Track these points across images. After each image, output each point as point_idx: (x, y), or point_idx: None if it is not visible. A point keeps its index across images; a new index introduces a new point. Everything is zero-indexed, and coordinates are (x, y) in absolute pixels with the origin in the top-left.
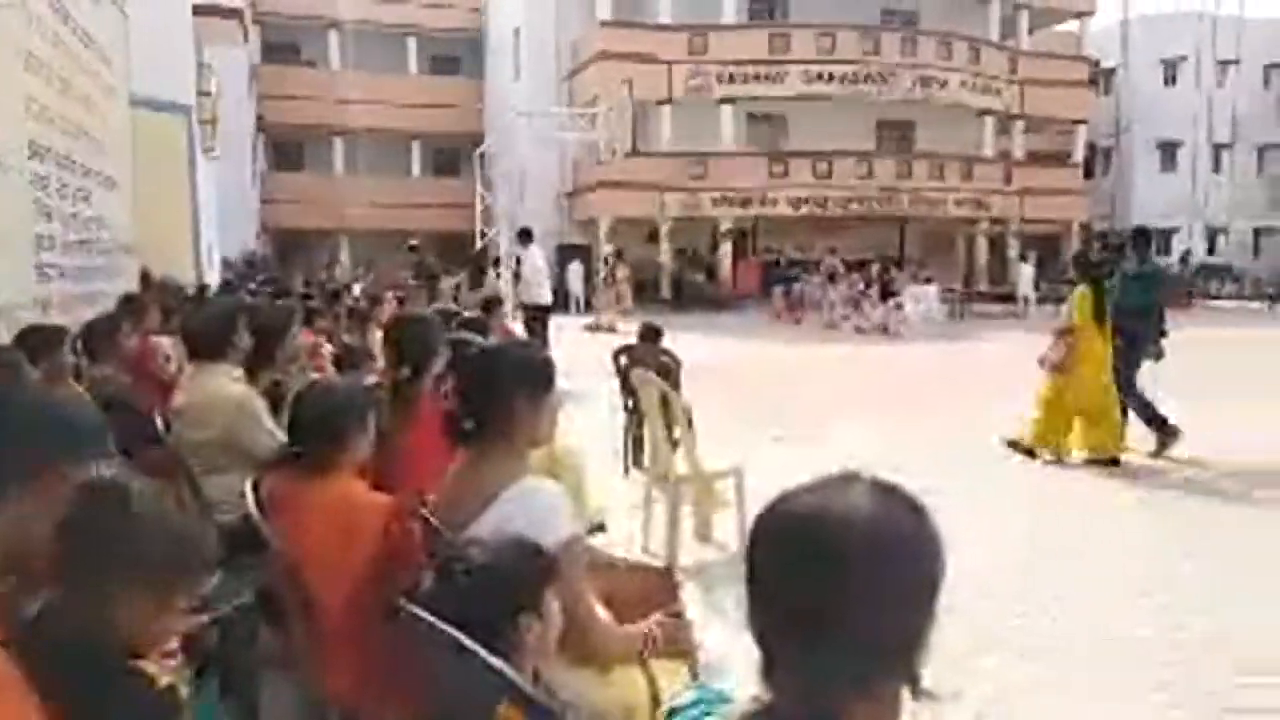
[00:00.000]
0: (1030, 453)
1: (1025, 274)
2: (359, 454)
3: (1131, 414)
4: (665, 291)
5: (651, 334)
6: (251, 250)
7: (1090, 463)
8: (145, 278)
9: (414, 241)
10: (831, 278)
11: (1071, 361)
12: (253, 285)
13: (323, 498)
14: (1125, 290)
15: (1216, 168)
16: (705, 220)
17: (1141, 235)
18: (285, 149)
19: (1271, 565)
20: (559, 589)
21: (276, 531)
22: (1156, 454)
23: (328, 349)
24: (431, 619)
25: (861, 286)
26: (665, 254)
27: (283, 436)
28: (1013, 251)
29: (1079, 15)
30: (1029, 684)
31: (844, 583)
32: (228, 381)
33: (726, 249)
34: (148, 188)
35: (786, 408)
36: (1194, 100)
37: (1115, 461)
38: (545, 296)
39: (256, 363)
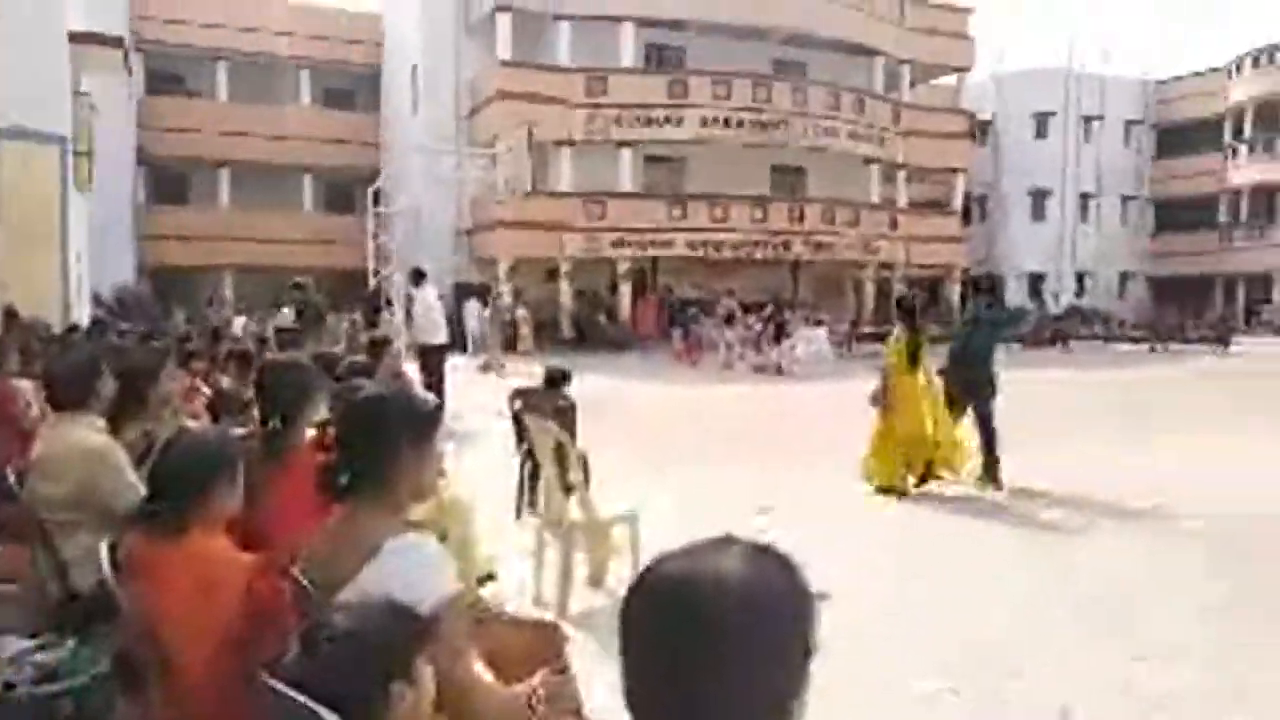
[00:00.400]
0: (900, 492)
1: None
2: (224, 510)
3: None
4: (566, 331)
5: (558, 379)
6: (124, 287)
7: (881, 490)
8: (10, 316)
9: (299, 279)
10: (729, 319)
11: (893, 399)
12: (124, 326)
13: (181, 557)
14: (971, 333)
15: (1084, 217)
16: (605, 261)
17: (980, 282)
18: (168, 182)
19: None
20: (437, 651)
21: (133, 594)
22: (980, 483)
23: (204, 394)
24: (291, 693)
25: (758, 328)
26: (565, 294)
27: (143, 490)
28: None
29: (957, 70)
30: None
31: (717, 647)
32: (89, 432)
33: (626, 289)
34: (15, 220)
35: (684, 448)
36: (1062, 152)
37: (905, 493)
38: (440, 336)
39: (124, 410)
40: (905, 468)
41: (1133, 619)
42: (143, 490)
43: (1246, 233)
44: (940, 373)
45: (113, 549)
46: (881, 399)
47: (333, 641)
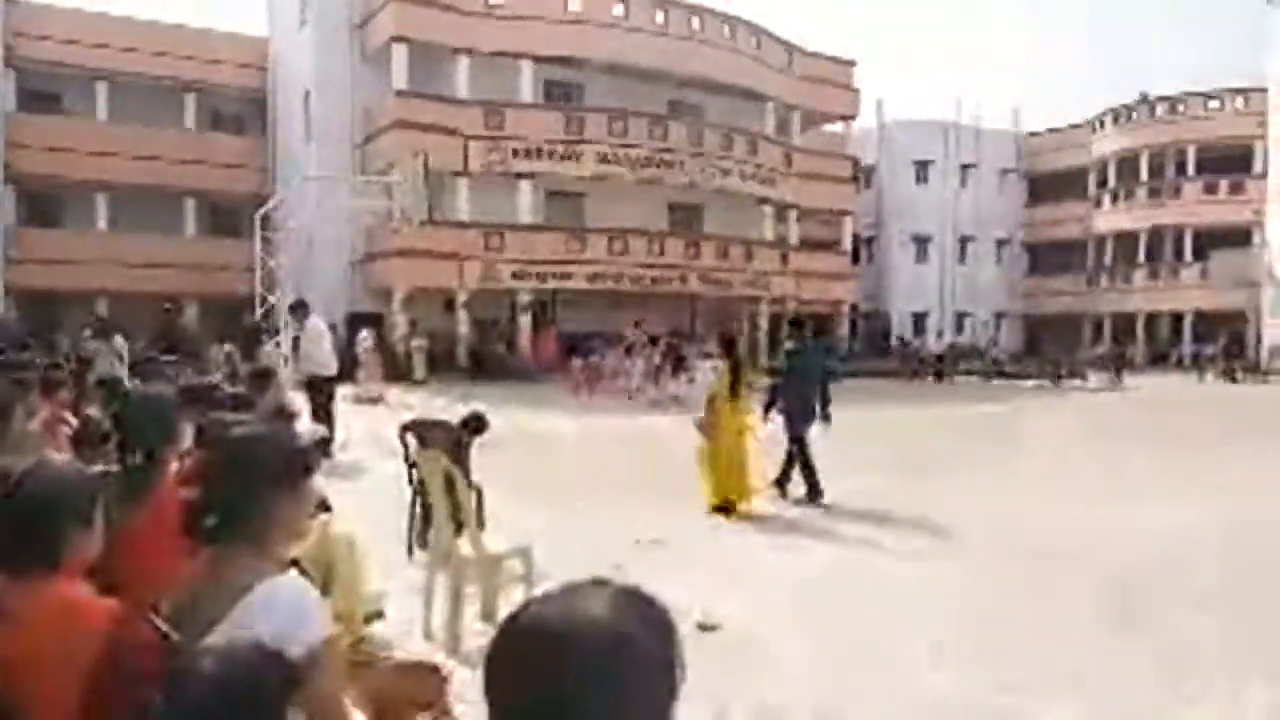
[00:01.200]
0: (727, 510)
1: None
2: (81, 551)
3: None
4: (463, 361)
5: (472, 425)
6: None
7: (717, 509)
8: None
9: (169, 304)
10: (629, 350)
11: (714, 426)
12: None
13: (34, 605)
14: (790, 367)
15: (962, 259)
16: (504, 292)
17: (796, 323)
18: (40, 204)
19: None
20: (308, 698)
21: None
22: (806, 499)
23: (69, 424)
24: None
25: (657, 360)
26: (463, 324)
27: None
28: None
29: (843, 118)
30: None
31: (582, 688)
32: None
33: (526, 321)
34: None
35: (581, 481)
36: (940, 198)
37: (731, 509)
38: (329, 367)
39: None
40: (735, 488)
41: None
42: None
43: (1109, 276)
44: (769, 401)
45: None
46: (706, 426)
47: (199, 687)
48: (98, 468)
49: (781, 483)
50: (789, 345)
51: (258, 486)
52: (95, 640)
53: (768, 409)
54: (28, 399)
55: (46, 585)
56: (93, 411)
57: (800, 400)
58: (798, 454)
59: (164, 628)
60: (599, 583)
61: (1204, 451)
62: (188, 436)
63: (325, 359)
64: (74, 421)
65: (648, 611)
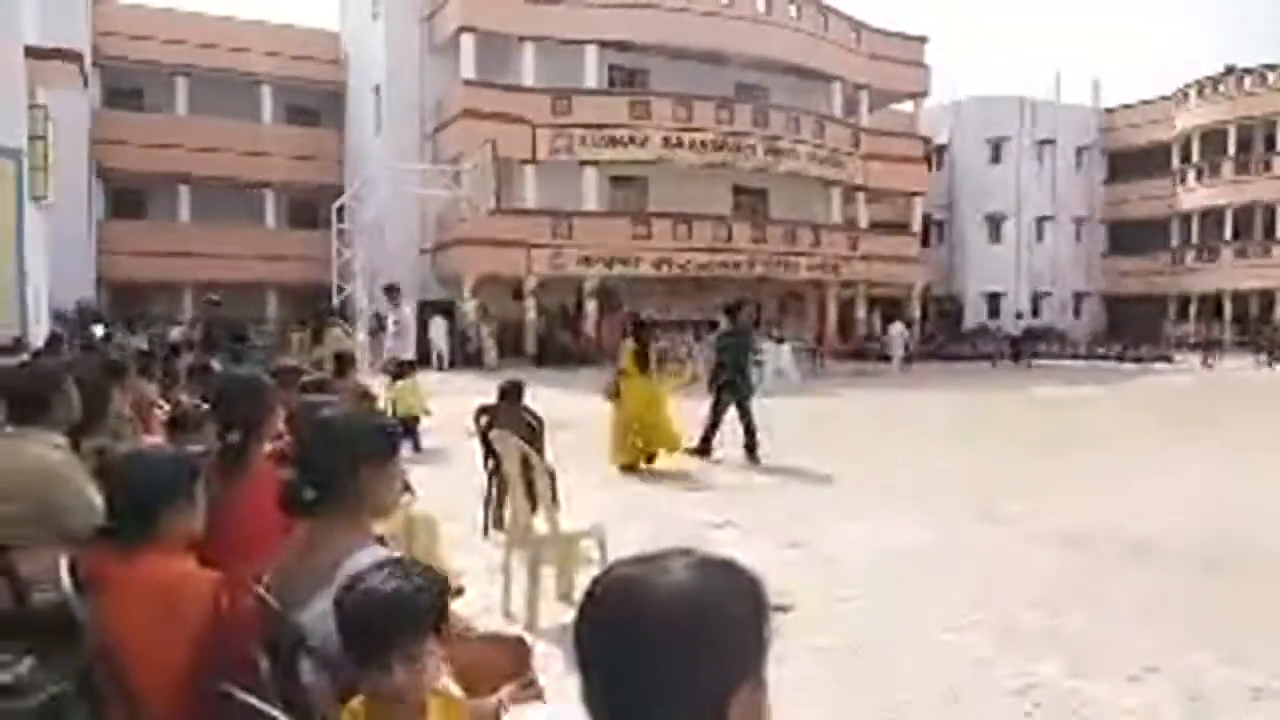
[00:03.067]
0: (633, 467)
1: (895, 334)
2: (185, 528)
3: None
4: (531, 348)
5: (513, 393)
6: (86, 301)
7: (623, 469)
8: None
9: (213, 296)
10: (697, 337)
11: (624, 395)
12: (81, 341)
13: (142, 576)
14: (722, 346)
15: (1039, 238)
16: (570, 279)
17: (730, 308)
18: (126, 197)
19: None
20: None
21: (95, 613)
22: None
23: (161, 409)
24: (262, 706)
25: None
26: (531, 310)
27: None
28: (861, 312)
29: (913, 96)
30: None
31: (664, 643)
32: (45, 448)
33: (592, 307)
34: None
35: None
36: (1016, 176)
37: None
38: (409, 352)
39: (80, 427)
40: (640, 449)
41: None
42: (102, 508)
43: (1196, 254)
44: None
45: (73, 567)
46: (614, 394)
47: (371, 595)
48: (197, 448)
49: (704, 448)
50: (723, 328)
51: (353, 462)
52: (202, 610)
53: (712, 382)
54: (124, 383)
55: (153, 559)
56: (184, 397)
57: (737, 372)
58: (741, 417)
59: (265, 597)
60: (684, 550)
61: None
62: (280, 417)
63: (408, 344)
64: (165, 406)
65: (732, 575)
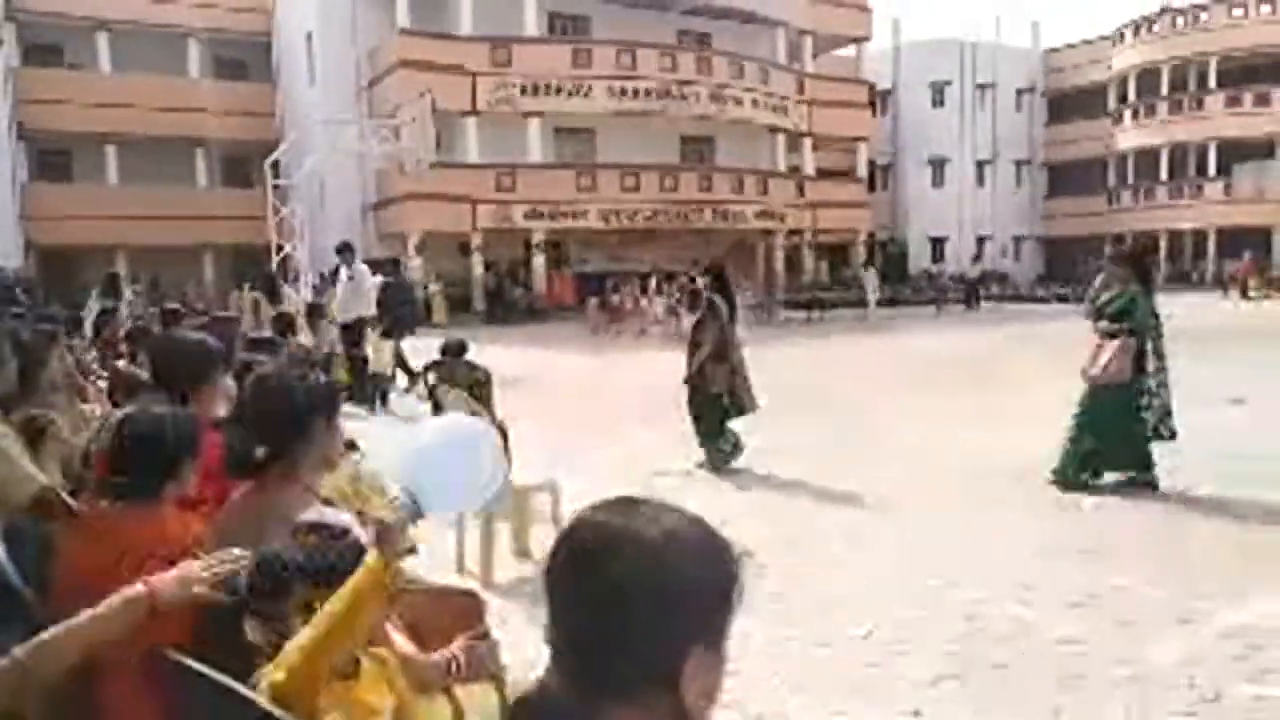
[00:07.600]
0: None
1: (869, 280)
2: (188, 485)
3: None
4: (479, 304)
5: (455, 347)
6: (12, 269)
7: None
8: None
9: (112, 270)
10: (644, 289)
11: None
12: (14, 309)
13: (142, 532)
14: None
15: (980, 181)
16: (517, 233)
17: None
18: (51, 159)
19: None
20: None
21: (88, 569)
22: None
23: (96, 376)
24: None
25: (676, 297)
26: (478, 266)
27: (43, 478)
28: (809, 261)
29: (856, 40)
30: None
31: (623, 599)
32: None
33: (540, 261)
34: None
35: (602, 418)
36: (959, 120)
37: None
38: (367, 309)
39: (13, 396)
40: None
41: None
42: (39, 478)
43: (1131, 195)
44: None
45: (9, 535)
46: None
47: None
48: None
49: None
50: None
51: (301, 420)
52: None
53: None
54: (58, 350)
55: (165, 513)
56: (120, 364)
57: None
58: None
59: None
60: (669, 506)
61: None
62: (222, 379)
63: (367, 302)
64: (102, 373)
65: (707, 538)
